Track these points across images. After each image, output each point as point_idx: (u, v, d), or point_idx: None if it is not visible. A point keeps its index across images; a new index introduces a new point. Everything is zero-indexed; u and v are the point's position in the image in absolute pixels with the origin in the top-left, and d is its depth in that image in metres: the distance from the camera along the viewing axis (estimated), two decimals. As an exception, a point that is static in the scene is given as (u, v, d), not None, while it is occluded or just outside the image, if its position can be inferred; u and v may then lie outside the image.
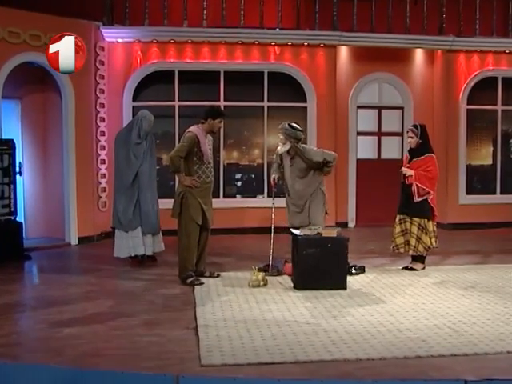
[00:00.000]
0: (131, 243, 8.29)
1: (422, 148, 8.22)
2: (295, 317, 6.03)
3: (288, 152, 7.93)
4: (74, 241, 10.42)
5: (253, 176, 12.18)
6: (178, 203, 7.45)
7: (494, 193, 12.67)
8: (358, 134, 12.60)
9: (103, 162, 11.01)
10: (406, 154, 8.57)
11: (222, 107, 11.45)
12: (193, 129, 7.57)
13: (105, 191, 11.00)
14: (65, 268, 8.83)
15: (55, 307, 6.41)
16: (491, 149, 12.84)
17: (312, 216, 7.90)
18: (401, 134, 12.67)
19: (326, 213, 8.08)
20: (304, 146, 8.05)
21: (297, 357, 4.92)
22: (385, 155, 12.75)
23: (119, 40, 11.25)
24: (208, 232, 7.69)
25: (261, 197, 11.97)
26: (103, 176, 11.00)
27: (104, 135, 11.02)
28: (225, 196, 11.86)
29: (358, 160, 12.58)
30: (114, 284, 7.62)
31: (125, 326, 5.77)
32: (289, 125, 7.90)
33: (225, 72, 11.71)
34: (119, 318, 6.01)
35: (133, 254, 8.38)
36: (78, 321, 5.95)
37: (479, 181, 12.79)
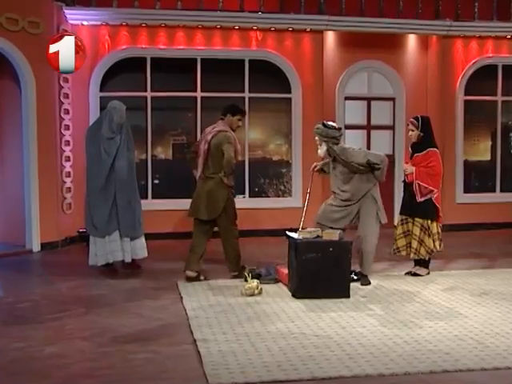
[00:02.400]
0: (108, 248, 8.02)
1: (424, 142, 8.21)
2: (301, 328, 5.94)
3: (329, 154, 7.80)
4: (36, 247, 10.12)
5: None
6: (221, 206, 7.93)
7: (494, 191, 12.79)
8: (346, 127, 12.47)
9: (68, 159, 10.73)
10: (409, 149, 8.54)
11: (199, 98, 11.44)
12: (223, 127, 7.95)
13: (70, 191, 10.72)
14: (30, 278, 8.58)
15: (28, 323, 6.17)
16: (490, 143, 12.96)
17: (361, 225, 7.72)
18: (392, 128, 12.71)
19: (381, 222, 7.79)
20: (343, 146, 7.80)
21: (313, 373, 4.83)
22: (375, 150, 12.70)
23: (84, 23, 10.99)
24: None
25: (241, 197, 11.84)
26: (68, 175, 10.71)
27: (68, 129, 10.74)
28: (202, 196, 11.67)
29: (346, 156, 12.56)
30: (90, 295, 7.37)
31: (113, 342, 5.59)
32: (322, 123, 7.78)
33: (202, 59, 11.56)
34: (105, 334, 5.82)
35: (111, 261, 8.10)
36: (58, 338, 5.75)
37: (477, 178, 12.89)
